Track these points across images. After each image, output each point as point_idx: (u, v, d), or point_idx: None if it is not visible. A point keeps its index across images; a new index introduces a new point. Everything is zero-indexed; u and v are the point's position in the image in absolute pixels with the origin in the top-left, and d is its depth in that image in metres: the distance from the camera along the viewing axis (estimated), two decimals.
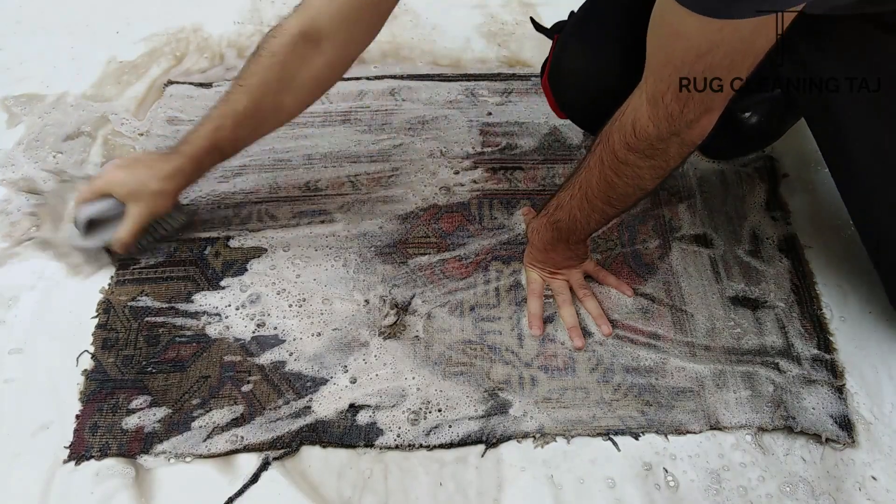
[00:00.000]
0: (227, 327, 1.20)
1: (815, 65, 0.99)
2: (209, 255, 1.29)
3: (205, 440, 1.08)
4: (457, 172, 1.42)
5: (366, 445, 1.08)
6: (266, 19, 1.76)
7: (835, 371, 1.15)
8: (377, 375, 1.14)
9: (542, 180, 1.41)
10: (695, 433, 1.10)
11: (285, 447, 1.07)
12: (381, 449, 1.08)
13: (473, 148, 1.47)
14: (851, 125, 1.01)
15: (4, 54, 1.67)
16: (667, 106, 0.84)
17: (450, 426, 1.10)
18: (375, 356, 1.17)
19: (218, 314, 1.21)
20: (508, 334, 1.20)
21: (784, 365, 1.16)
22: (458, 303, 1.24)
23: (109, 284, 1.25)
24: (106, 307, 1.22)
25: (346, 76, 1.58)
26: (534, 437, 1.09)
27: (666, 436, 1.09)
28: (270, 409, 1.11)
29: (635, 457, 1.08)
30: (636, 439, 1.09)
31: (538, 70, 1.60)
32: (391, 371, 1.15)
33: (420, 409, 1.11)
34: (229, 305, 1.22)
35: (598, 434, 1.10)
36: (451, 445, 1.09)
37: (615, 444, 1.09)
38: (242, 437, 1.08)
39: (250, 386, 1.13)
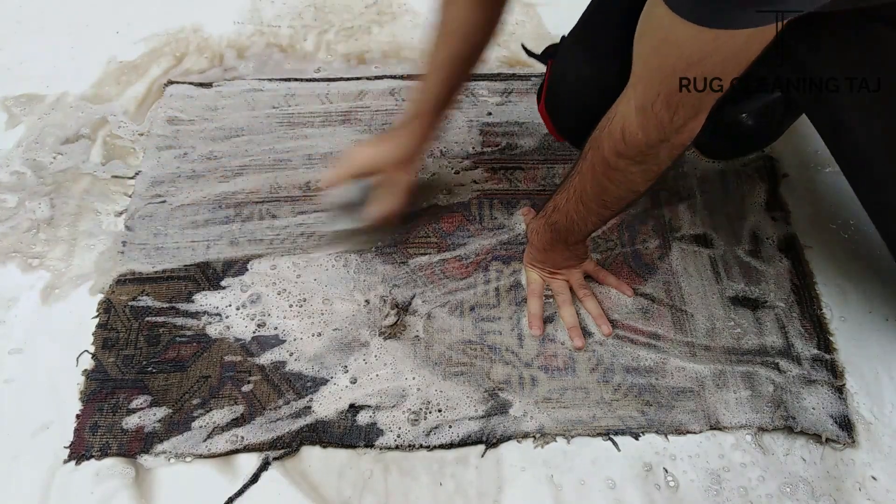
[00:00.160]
0: (228, 327, 1.20)
1: (813, 65, 0.99)
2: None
3: (205, 440, 1.08)
4: (457, 172, 1.42)
5: (366, 446, 1.08)
6: (266, 19, 1.75)
7: (835, 371, 1.16)
8: (377, 376, 1.15)
9: (542, 180, 1.41)
10: (695, 433, 1.10)
11: (285, 447, 1.08)
12: (381, 449, 1.08)
13: (473, 148, 1.47)
14: (855, 120, 1.01)
15: (4, 54, 1.67)
16: (656, 114, 0.84)
17: (450, 426, 1.10)
18: (376, 356, 1.17)
19: (218, 314, 1.21)
20: (508, 334, 1.20)
21: (784, 365, 1.16)
22: (458, 303, 1.24)
23: (110, 286, 1.25)
24: (106, 307, 1.22)
25: (345, 76, 1.59)
26: (534, 437, 1.10)
27: (666, 436, 1.10)
28: (271, 409, 1.11)
29: (635, 457, 1.08)
30: (636, 439, 1.09)
31: (538, 70, 1.60)
32: (391, 371, 1.15)
33: (420, 409, 1.11)
34: (230, 305, 1.22)
35: (599, 434, 1.10)
36: (451, 446, 1.09)
37: (615, 444, 1.09)
38: (242, 437, 1.08)
39: (250, 386, 1.13)
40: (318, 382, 1.14)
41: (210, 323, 1.20)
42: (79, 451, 1.07)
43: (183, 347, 1.18)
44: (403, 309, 1.22)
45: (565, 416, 1.11)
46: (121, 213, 1.35)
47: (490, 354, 1.18)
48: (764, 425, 1.10)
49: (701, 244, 1.31)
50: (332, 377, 1.14)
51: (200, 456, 1.07)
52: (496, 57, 1.67)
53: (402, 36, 1.71)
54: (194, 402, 1.12)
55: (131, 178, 1.40)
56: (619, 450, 1.09)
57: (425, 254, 1.30)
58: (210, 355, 1.17)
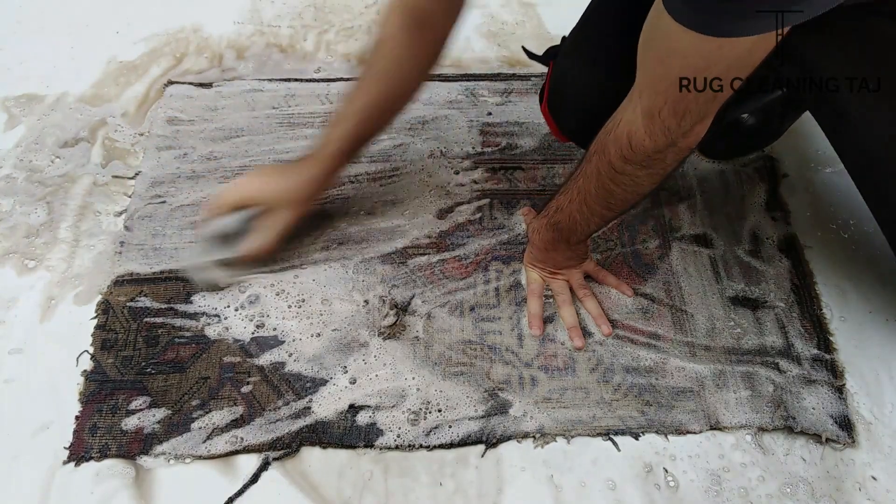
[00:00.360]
0: (227, 328, 1.20)
1: (816, 62, 0.99)
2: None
3: (204, 441, 1.08)
4: (457, 172, 1.42)
5: (366, 446, 1.08)
6: (266, 19, 1.75)
7: (835, 371, 1.16)
8: (377, 376, 1.14)
9: (542, 180, 1.41)
10: (695, 433, 1.10)
11: (285, 448, 1.07)
12: (381, 449, 1.08)
13: (473, 148, 1.47)
14: (858, 115, 1.00)
15: (4, 54, 1.67)
16: (663, 120, 0.84)
17: (450, 426, 1.10)
18: (375, 356, 1.17)
19: (217, 315, 1.21)
20: (508, 334, 1.20)
21: (784, 365, 1.16)
22: (457, 303, 1.24)
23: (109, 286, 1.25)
24: (105, 308, 1.22)
25: (345, 76, 1.59)
26: (534, 437, 1.10)
27: (666, 436, 1.10)
28: (270, 409, 1.11)
29: (635, 457, 1.08)
30: (636, 439, 1.09)
31: (538, 70, 1.60)
32: (391, 371, 1.15)
33: (420, 409, 1.11)
34: (228, 306, 1.22)
35: (599, 434, 1.10)
36: (451, 446, 1.09)
37: (615, 444, 1.09)
38: (242, 438, 1.08)
39: (250, 387, 1.13)
40: (317, 383, 1.14)
41: (209, 324, 1.20)
42: (78, 453, 1.07)
43: (182, 348, 1.17)
44: (402, 309, 1.22)
45: (565, 416, 1.11)
46: (121, 214, 1.35)
47: (490, 354, 1.18)
48: (764, 425, 1.10)
49: (701, 244, 1.31)
50: (331, 378, 1.14)
51: (200, 457, 1.07)
52: (496, 57, 1.67)
53: None
54: (193, 403, 1.11)
55: (131, 178, 1.40)
56: (619, 450, 1.09)
57: (425, 254, 1.30)
58: (209, 356, 1.17)
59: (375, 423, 1.10)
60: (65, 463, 1.06)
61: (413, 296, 1.24)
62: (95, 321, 1.20)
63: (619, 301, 1.24)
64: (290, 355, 1.16)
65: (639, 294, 1.25)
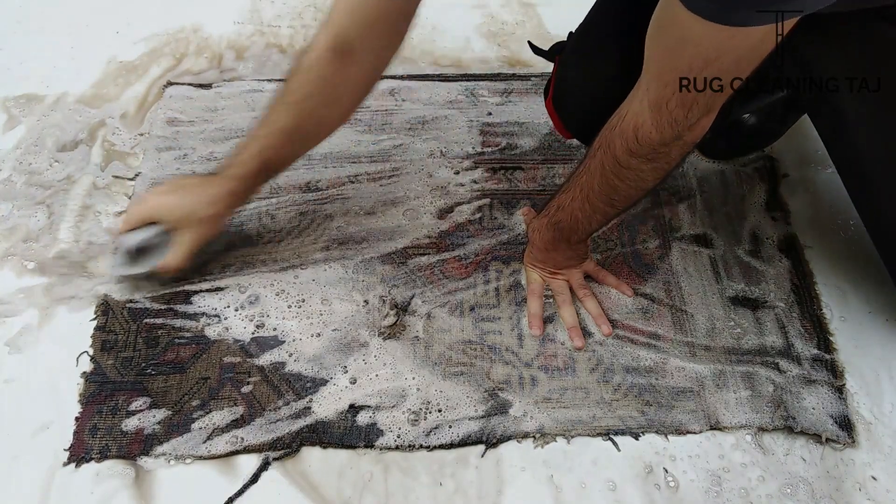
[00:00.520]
0: (227, 328, 1.20)
1: (815, 63, 0.99)
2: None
3: (205, 442, 1.08)
4: (457, 172, 1.42)
5: (366, 446, 1.08)
6: (266, 19, 1.75)
7: (835, 371, 1.16)
8: (377, 376, 1.14)
9: (542, 180, 1.41)
10: (695, 433, 1.10)
11: (285, 448, 1.07)
12: (381, 449, 1.08)
13: (473, 148, 1.47)
14: (856, 120, 1.01)
15: (4, 54, 1.67)
16: (671, 112, 0.84)
17: (450, 426, 1.10)
18: (375, 356, 1.17)
19: (217, 315, 1.21)
20: (508, 334, 1.20)
21: (784, 365, 1.16)
22: (457, 303, 1.24)
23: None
24: (104, 309, 1.22)
25: None
26: (534, 437, 1.10)
27: (666, 436, 1.10)
28: (270, 410, 1.11)
29: (635, 457, 1.08)
30: (636, 439, 1.09)
31: (538, 70, 1.60)
32: (391, 371, 1.15)
33: (420, 409, 1.11)
34: (228, 306, 1.22)
35: (599, 434, 1.10)
36: (451, 446, 1.09)
37: (615, 444, 1.09)
38: (242, 439, 1.08)
39: (250, 387, 1.13)
40: (317, 383, 1.14)
41: (209, 324, 1.20)
42: (78, 454, 1.06)
43: (182, 349, 1.17)
44: (403, 309, 1.22)
45: (565, 416, 1.11)
46: (121, 214, 1.35)
47: (490, 354, 1.18)
48: (764, 425, 1.10)
49: (701, 244, 1.31)
50: (331, 378, 1.14)
51: (200, 457, 1.06)
52: (496, 57, 1.67)
53: None
54: (194, 403, 1.11)
55: (131, 179, 1.40)
56: (619, 450, 1.09)
57: (425, 254, 1.30)
58: (209, 356, 1.17)
59: (376, 424, 1.10)
60: (65, 464, 1.06)
61: (413, 296, 1.24)
62: (95, 322, 1.20)
63: (619, 301, 1.24)
64: (291, 355, 1.16)
65: (639, 294, 1.25)
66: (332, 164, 1.43)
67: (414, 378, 1.15)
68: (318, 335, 1.19)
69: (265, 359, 1.16)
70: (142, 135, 1.49)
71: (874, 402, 1.13)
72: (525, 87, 1.58)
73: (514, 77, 1.61)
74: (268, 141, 1.13)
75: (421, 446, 1.08)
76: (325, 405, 1.11)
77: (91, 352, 1.17)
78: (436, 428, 1.10)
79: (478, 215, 1.35)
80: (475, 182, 1.41)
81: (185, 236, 1.17)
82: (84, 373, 1.14)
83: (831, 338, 1.19)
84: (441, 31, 1.72)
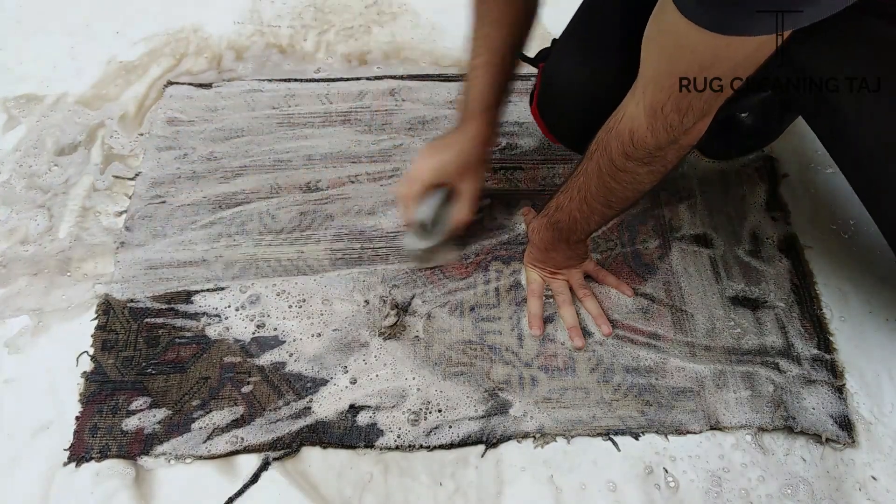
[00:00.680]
0: (227, 328, 1.20)
1: (808, 63, 0.99)
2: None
3: (205, 441, 1.08)
4: None
5: (366, 446, 1.08)
6: (266, 19, 1.75)
7: (835, 371, 1.16)
8: (377, 376, 1.15)
9: (542, 180, 1.41)
10: (695, 433, 1.10)
11: (285, 448, 1.08)
12: (381, 450, 1.08)
13: None
14: (855, 119, 1.00)
15: (4, 54, 1.67)
16: (666, 116, 0.84)
17: (450, 426, 1.10)
18: (375, 357, 1.17)
19: (218, 315, 1.21)
20: (508, 334, 1.20)
21: (784, 365, 1.16)
22: (458, 303, 1.24)
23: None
24: (105, 308, 1.22)
25: (345, 76, 1.59)
26: (534, 437, 1.10)
27: (666, 436, 1.10)
28: (270, 410, 1.11)
29: (635, 457, 1.08)
30: (636, 439, 1.09)
31: (537, 71, 1.60)
32: (391, 371, 1.15)
33: (420, 409, 1.11)
34: (229, 306, 1.22)
35: (599, 434, 1.10)
36: (451, 446, 1.09)
37: (615, 444, 1.09)
38: (242, 439, 1.08)
39: (250, 387, 1.13)
40: (317, 383, 1.14)
41: (209, 324, 1.20)
42: (78, 453, 1.07)
43: (182, 349, 1.18)
44: (403, 309, 1.22)
45: (565, 416, 1.11)
46: (121, 214, 1.35)
47: (490, 354, 1.18)
48: (764, 425, 1.10)
49: (701, 244, 1.31)
50: (331, 378, 1.14)
51: (200, 457, 1.07)
52: None
53: (401, 36, 1.71)
54: (194, 403, 1.12)
55: (131, 179, 1.40)
56: (619, 450, 1.09)
57: None
58: (209, 356, 1.17)
59: (376, 424, 1.10)
60: (65, 464, 1.06)
61: (413, 296, 1.24)
62: (96, 322, 1.20)
63: (619, 301, 1.24)
64: (291, 355, 1.16)
65: (639, 294, 1.25)
66: (332, 164, 1.43)
67: (414, 378, 1.15)
68: (319, 335, 1.19)
69: (265, 359, 1.16)
70: (142, 135, 1.49)
71: (874, 402, 1.13)
72: (525, 87, 1.58)
73: (513, 77, 1.61)
74: (487, 68, 1.15)
75: (421, 446, 1.09)
76: (326, 405, 1.12)
77: (91, 351, 1.17)
78: (436, 428, 1.10)
79: (478, 215, 1.35)
80: None
81: (468, 186, 1.21)
82: (84, 372, 1.15)
83: (831, 338, 1.19)
84: (441, 31, 1.72)
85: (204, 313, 1.21)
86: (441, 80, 1.60)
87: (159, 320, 1.21)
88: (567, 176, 1.10)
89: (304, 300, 1.23)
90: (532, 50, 1.32)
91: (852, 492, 1.04)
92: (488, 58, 1.14)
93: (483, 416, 1.11)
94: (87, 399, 1.12)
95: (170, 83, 1.59)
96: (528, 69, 1.47)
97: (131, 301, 1.23)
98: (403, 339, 1.19)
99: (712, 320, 1.21)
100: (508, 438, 1.10)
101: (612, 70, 1.07)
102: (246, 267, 1.28)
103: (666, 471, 1.07)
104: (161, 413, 1.10)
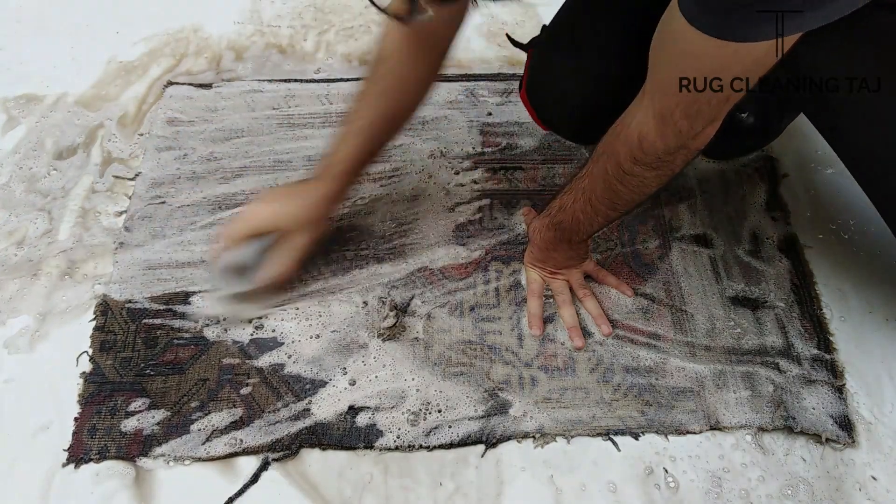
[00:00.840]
0: (226, 329, 1.19)
1: (815, 62, 0.98)
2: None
3: (204, 443, 1.08)
4: (457, 173, 1.42)
5: (366, 447, 1.08)
6: (266, 19, 1.75)
7: (835, 371, 1.15)
8: (376, 377, 1.14)
9: (542, 180, 1.41)
10: (695, 433, 1.10)
11: (284, 450, 1.07)
12: (380, 450, 1.08)
13: (473, 148, 1.47)
14: (857, 114, 1.00)
15: (4, 54, 1.67)
16: (675, 122, 0.84)
17: (450, 427, 1.10)
18: (375, 357, 1.17)
19: (216, 316, 1.21)
20: (508, 334, 1.20)
21: (784, 365, 1.16)
22: (457, 303, 1.24)
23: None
24: (103, 309, 1.22)
25: (345, 77, 1.59)
26: (534, 437, 1.10)
27: (666, 436, 1.10)
28: (269, 411, 1.11)
29: (635, 457, 1.08)
30: (636, 439, 1.09)
31: (526, 57, 1.61)
32: (390, 372, 1.15)
33: (420, 409, 1.11)
34: None
35: (598, 434, 1.10)
36: (451, 446, 1.09)
37: (615, 444, 1.09)
38: (241, 440, 1.08)
39: (249, 388, 1.13)
40: (316, 384, 1.14)
41: (208, 325, 1.20)
42: (77, 455, 1.06)
43: (181, 350, 1.17)
44: (402, 310, 1.22)
45: (565, 416, 1.11)
46: (121, 214, 1.35)
47: (490, 354, 1.18)
48: (764, 425, 1.10)
49: (701, 244, 1.31)
50: (330, 379, 1.14)
51: (199, 459, 1.07)
52: (496, 57, 1.67)
53: None
54: (193, 404, 1.11)
55: (131, 179, 1.40)
56: (619, 450, 1.09)
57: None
58: (208, 358, 1.17)
59: (375, 425, 1.10)
60: (64, 465, 1.06)
61: (413, 296, 1.24)
62: (94, 322, 1.20)
63: (619, 301, 1.24)
64: (290, 357, 1.16)
65: (639, 294, 1.25)
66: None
67: (413, 379, 1.14)
68: (318, 336, 1.19)
69: (264, 360, 1.16)
70: (141, 135, 1.49)
71: (874, 402, 1.13)
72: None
73: (514, 77, 1.61)
74: (364, 135, 1.13)
75: (421, 447, 1.08)
76: (325, 407, 1.11)
77: (90, 352, 1.17)
78: (435, 428, 1.10)
79: (478, 215, 1.35)
80: (475, 182, 1.41)
81: (292, 243, 1.17)
82: (83, 373, 1.14)
83: (831, 338, 1.19)
84: None
85: (203, 314, 1.21)
86: (441, 80, 1.59)
87: (157, 321, 1.21)
88: (570, 177, 1.10)
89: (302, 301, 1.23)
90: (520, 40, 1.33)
91: (852, 492, 1.04)
92: (367, 123, 1.12)
93: (483, 417, 1.11)
94: (86, 400, 1.12)
95: (170, 83, 1.59)
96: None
97: (129, 302, 1.23)
98: (403, 339, 1.19)
99: (712, 320, 1.21)
100: (508, 438, 1.09)
101: (598, 58, 1.07)
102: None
103: (666, 471, 1.07)
104: (160, 414, 1.10)
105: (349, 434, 1.09)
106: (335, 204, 1.20)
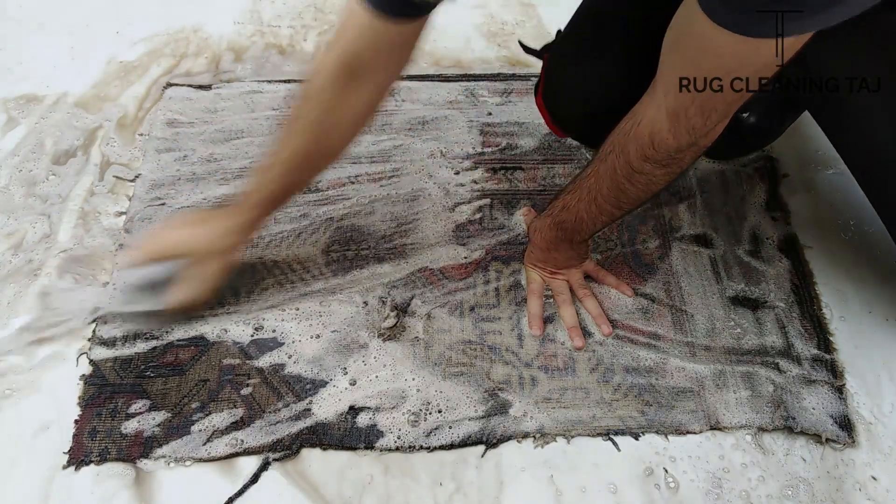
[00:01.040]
0: (226, 330, 1.19)
1: (816, 61, 0.98)
2: None
3: (204, 444, 1.08)
4: (457, 173, 1.42)
5: (366, 448, 1.08)
6: (266, 19, 1.75)
7: (835, 371, 1.15)
8: (377, 377, 1.14)
9: (542, 180, 1.41)
10: (695, 433, 1.10)
11: (285, 450, 1.07)
12: (381, 451, 1.08)
13: (473, 148, 1.47)
14: (861, 112, 1.00)
15: (4, 54, 1.67)
16: (689, 119, 0.84)
17: (450, 427, 1.10)
18: (375, 357, 1.17)
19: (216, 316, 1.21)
20: (508, 334, 1.20)
21: (784, 365, 1.16)
22: (457, 303, 1.24)
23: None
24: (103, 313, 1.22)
25: None
26: (534, 437, 1.10)
27: (666, 436, 1.10)
28: (270, 411, 1.11)
29: (635, 457, 1.08)
30: (636, 439, 1.09)
31: (539, 70, 1.60)
32: (391, 372, 1.15)
33: (420, 410, 1.11)
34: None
35: (598, 434, 1.10)
36: (451, 446, 1.09)
37: (615, 444, 1.09)
38: (242, 441, 1.08)
39: (249, 389, 1.13)
40: (317, 384, 1.14)
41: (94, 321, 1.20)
42: (78, 457, 1.06)
43: (181, 351, 1.17)
44: (402, 310, 1.22)
45: (565, 416, 1.11)
46: (121, 214, 1.35)
47: (490, 354, 1.18)
48: (764, 425, 1.10)
49: (701, 244, 1.31)
50: (331, 379, 1.14)
51: (200, 460, 1.07)
52: (496, 57, 1.67)
53: None
54: (193, 405, 1.12)
55: (131, 181, 1.40)
56: (619, 450, 1.09)
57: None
58: (208, 359, 1.17)
59: (376, 425, 1.10)
60: (64, 467, 1.06)
61: (413, 296, 1.24)
62: (94, 323, 1.20)
63: (619, 301, 1.24)
64: (290, 357, 1.16)
65: (639, 294, 1.25)
66: (332, 164, 1.43)
67: (414, 379, 1.15)
68: (318, 336, 1.19)
69: (264, 360, 1.16)
70: (142, 135, 1.49)
71: (874, 402, 1.13)
72: (525, 87, 1.58)
73: (514, 77, 1.61)
74: (280, 169, 1.08)
75: (421, 447, 1.08)
76: (325, 407, 1.12)
77: (90, 354, 1.17)
78: (436, 429, 1.10)
79: (478, 215, 1.35)
80: (475, 182, 1.41)
81: (203, 269, 1.14)
82: (83, 375, 1.14)
83: (831, 338, 1.19)
84: (441, 31, 1.72)
85: (201, 315, 1.22)
86: (441, 81, 1.60)
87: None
88: (574, 177, 1.10)
89: (302, 301, 1.23)
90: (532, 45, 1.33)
91: (852, 492, 1.04)
92: (288, 156, 1.07)
93: (483, 417, 1.11)
94: (86, 402, 1.12)
95: (169, 84, 1.59)
96: (530, 69, 1.48)
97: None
98: (403, 339, 1.19)
99: (712, 320, 1.21)
100: (508, 438, 1.09)
101: (617, 60, 1.06)
102: (245, 268, 1.28)
103: (666, 471, 1.07)
104: (160, 416, 1.10)
105: (350, 434, 1.09)
106: (247, 234, 1.15)
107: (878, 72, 0.95)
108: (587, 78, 1.15)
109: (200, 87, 1.59)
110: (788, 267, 1.28)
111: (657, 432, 1.10)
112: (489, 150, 1.46)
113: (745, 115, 1.33)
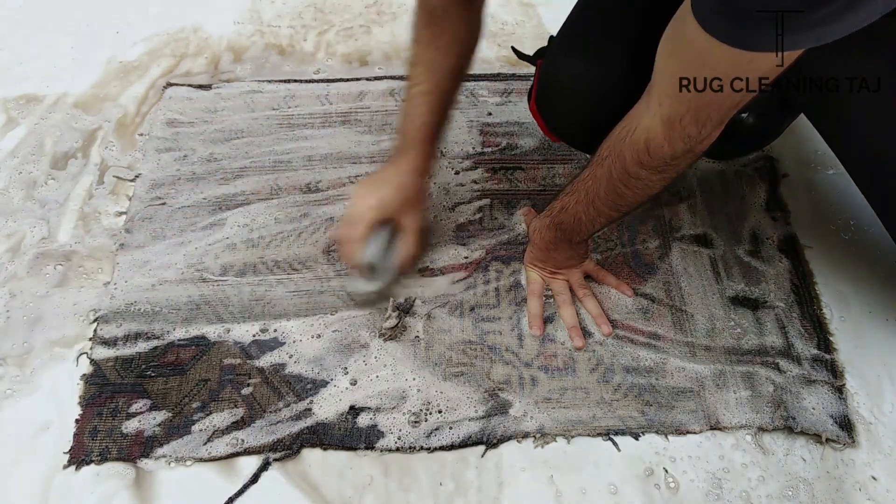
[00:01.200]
0: (227, 330, 1.20)
1: (813, 63, 0.98)
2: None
3: (205, 443, 1.08)
4: (457, 172, 1.42)
5: (366, 448, 1.08)
6: (266, 19, 1.76)
7: (835, 371, 1.15)
8: (377, 377, 1.14)
9: (542, 180, 1.41)
10: (695, 433, 1.10)
11: (286, 450, 1.08)
12: (381, 451, 1.08)
13: (473, 148, 1.47)
14: (859, 116, 1.00)
15: (4, 54, 1.67)
16: (684, 127, 0.84)
17: (450, 427, 1.10)
18: (376, 357, 1.17)
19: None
20: (508, 334, 1.20)
21: (784, 365, 1.16)
22: (458, 303, 1.24)
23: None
24: (104, 313, 1.22)
25: (345, 77, 1.59)
26: (534, 437, 1.10)
27: (666, 436, 1.10)
28: (271, 411, 1.11)
29: (635, 457, 1.08)
30: (636, 439, 1.09)
31: (535, 69, 1.60)
32: (391, 372, 1.15)
33: (420, 410, 1.11)
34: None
35: (599, 434, 1.10)
36: (451, 447, 1.09)
37: (615, 444, 1.09)
38: (243, 440, 1.08)
39: (250, 389, 1.13)
40: (318, 384, 1.14)
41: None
42: (78, 456, 1.07)
43: (182, 351, 1.18)
44: (404, 310, 1.22)
45: (565, 416, 1.11)
46: (121, 214, 1.35)
47: (490, 354, 1.18)
48: (764, 425, 1.10)
49: (701, 244, 1.31)
50: (332, 379, 1.14)
51: (201, 459, 1.07)
52: (496, 57, 1.67)
53: (402, 36, 1.71)
54: (194, 405, 1.12)
55: (131, 180, 1.40)
56: (619, 450, 1.09)
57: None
58: (209, 358, 1.17)
59: (376, 425, 1.10)
60: (65, 467, 1.06)
61: (414, 297, 1.24)
62: (95, 323, 1.20)
63: (619, 301, 1.24)
64: (291, 357, 1.16)
65: (639, 294, 1.25)
66: (332, 164, 1.43)
67: (414, 379, 1.15)
68: (319, 336, 1.19)
69: (265, 360, 1.16)
70: (142, 135, 1.49)
71: (874, 402, 1.13)
72: (525, 87, 1.58)
73: (514, 77, 1.61)
74: (431, 96, 1.13)
75: (421, 448, 1.08)
76: (326, 407, 1.12)
77: (91, 353, 1.17)
78: (436, 429, 1.10)
79: (478, 215, 1.36)
80: (475, 182, 1.41)
81: (410, 219, 1.19)
82: (84, 375, 1.15)
83: (831, 338, 1.19)
84: None
85: (202, 316, 1.21)
86: None
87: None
88: (573, 178, 1.10)
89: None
90: (527, 49, 1.32)
91: (852, 492, 1.04)
92: (430, 86, 1.12)
93: (483, 417, 1.11)
94: (87, 402, 1.12)
95: (169, 84, 1.59)
96: (530, 69, 1.47)
97: (131, 304, 1.23)
98: (403, 339, 1.19)
99: (712, 320, 1.21)
100: (508, 439, 1.09)
101: (612, 67, 1.06)
102: (245, 269, 1.28)
103: (666, 471, 1.07)
104: (161, 415, 1.10)
105: (350, 434, 1.09)
106: (426, 174, 1.20)
107: (878, 72, 0.95)
108: (580, 85, 1.15)
109: (200, 87, 1.59)
110: (788, 267, 1.28)
111: (657, 432, 1.10)
112: (489, 150, 1.46)
113: (744, 115, 1.33)
